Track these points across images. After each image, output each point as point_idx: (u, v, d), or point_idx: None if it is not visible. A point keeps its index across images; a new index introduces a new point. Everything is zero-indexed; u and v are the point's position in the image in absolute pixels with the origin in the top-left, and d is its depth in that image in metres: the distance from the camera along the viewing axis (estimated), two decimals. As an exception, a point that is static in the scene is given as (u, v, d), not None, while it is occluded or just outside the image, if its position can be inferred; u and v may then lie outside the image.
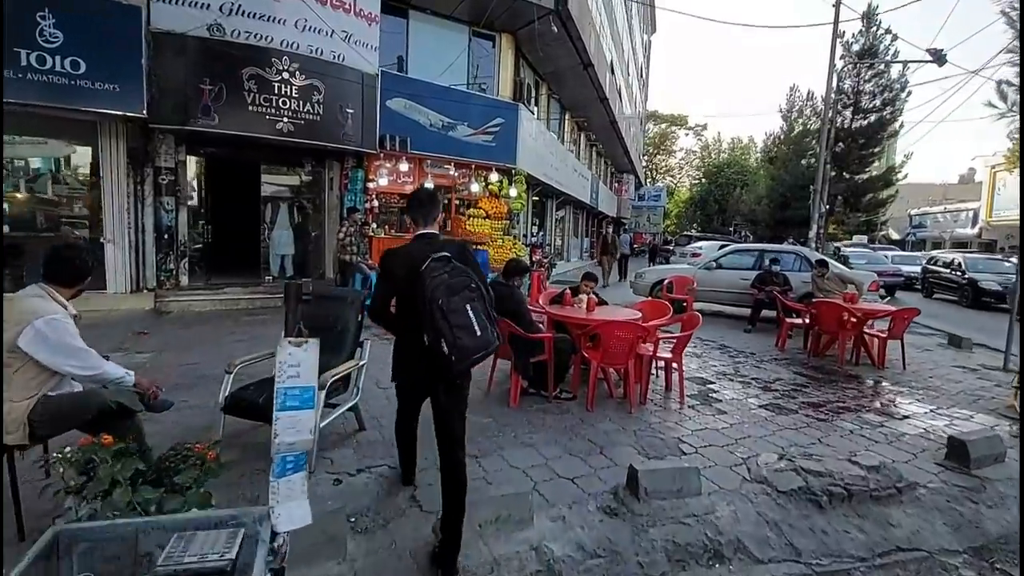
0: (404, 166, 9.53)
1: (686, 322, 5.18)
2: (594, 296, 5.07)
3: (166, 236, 7.77)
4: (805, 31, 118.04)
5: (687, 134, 54.85)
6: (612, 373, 4.83)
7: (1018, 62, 8.53)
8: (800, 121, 22.77)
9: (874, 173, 17.12)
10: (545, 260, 13.33)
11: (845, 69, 16.56)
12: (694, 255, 22.08)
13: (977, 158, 29.40)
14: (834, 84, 17.55)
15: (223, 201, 10.10)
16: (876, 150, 16.58)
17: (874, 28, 15.35)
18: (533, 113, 12.74)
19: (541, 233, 19.75)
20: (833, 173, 15.78)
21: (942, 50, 14.52)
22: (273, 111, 7.73)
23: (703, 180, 41.64)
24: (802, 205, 21.64)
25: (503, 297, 3.92)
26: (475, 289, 2.15)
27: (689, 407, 4.55)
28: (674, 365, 4.81)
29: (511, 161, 11.15)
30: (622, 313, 5.08)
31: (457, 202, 11.10)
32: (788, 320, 7.45)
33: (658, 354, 4.84)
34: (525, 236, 13.31)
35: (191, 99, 7.13)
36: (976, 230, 34.97)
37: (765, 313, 8.76)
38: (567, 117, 18.21)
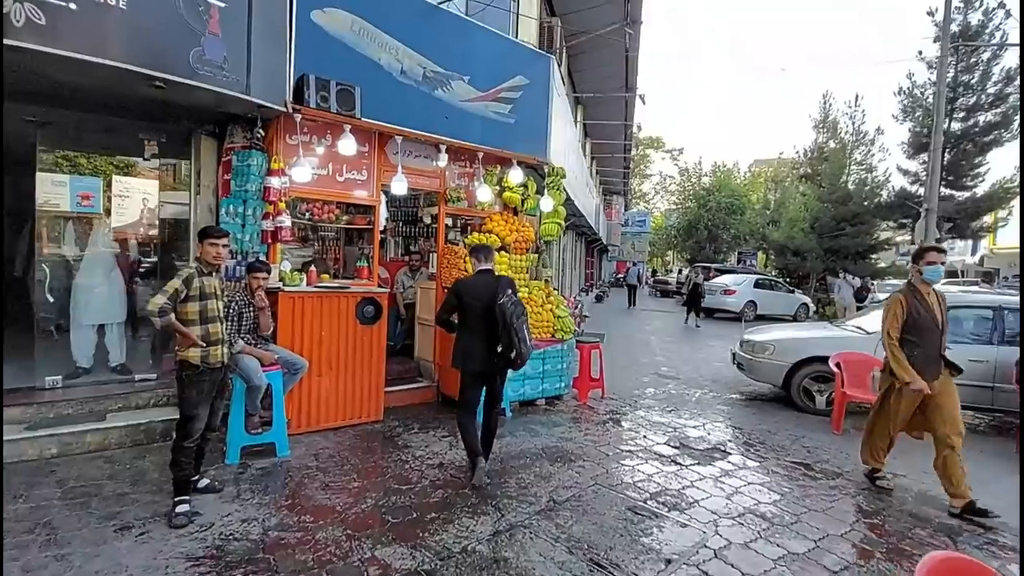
0: (347, 146, 4.72)
1: None
2: None
3: None
4: (801, 47, 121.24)
5: (663, 158, 52.37)
6: None
7: None
8: (836, 132, 19.39)
9: (982, 190, 13.58)
10: (577, 313, 8.63)
11: (935, 59, 13.12)
12: (726, 292, 17.94)
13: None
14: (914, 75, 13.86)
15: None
16: (982, 160, 13.12)
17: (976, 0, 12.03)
18: (563, 86, 8.24)
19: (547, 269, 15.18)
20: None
21: (1078, 28, 11.07)
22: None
23: (690, 204, 38.37)
24: (859, 231, 18.03)
25: None
26: (525, 313, 3.59)
27: None
28: None
29: (541, 153, 6.51)
30: None
31: (448, 221, 6.35)
32: None
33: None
34: (555, 281, 8.65)
35: None
36: (977, 258, 32.83)
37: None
38: (580, 113, 13.86)
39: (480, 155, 5.84)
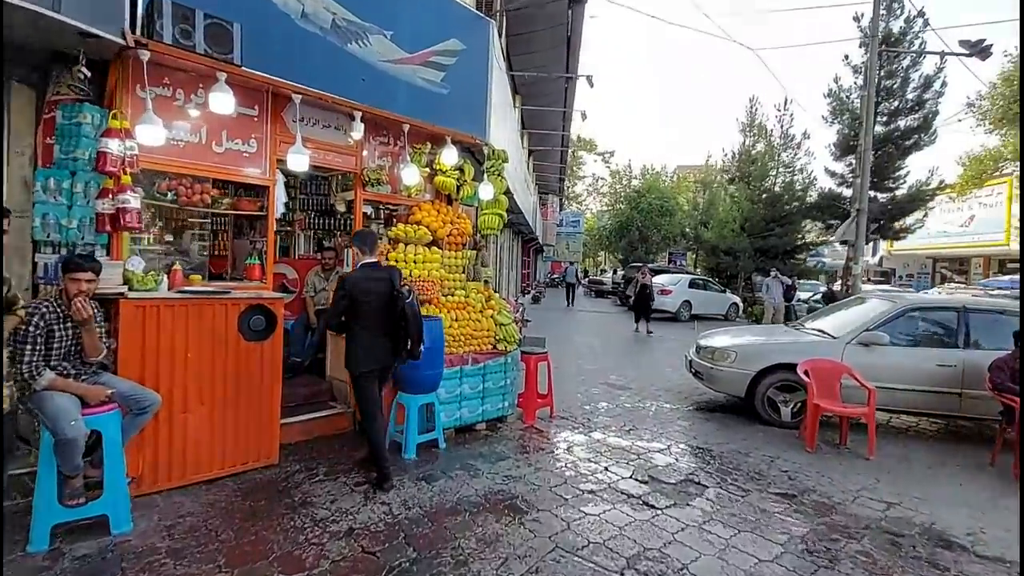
0: (222, 102, 3.53)
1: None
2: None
3: None
4: (721, 52, 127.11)
5: (596, 160, 53.09)
6: None
7: None
8: (764, 134, 19.92)
9: (902, 191, 14.14)
10: (520, 318, 7.82)
11: (861, 63, 13.51)
12: (662, 292, 17.83)
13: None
14: (837, 80, 14.21)
15: None
16: (901, 164, 13.67)
17: (899, 8, 12.46)
18: (502, 61, 7.34)
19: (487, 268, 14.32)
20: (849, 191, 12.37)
21: (984, 40, 11.68)
22: None
23: (621, 206, 38.86)
24: (786, 231, 18.51)
25: None
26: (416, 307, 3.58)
27: None
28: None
29: (479, 131, 5.56)
30: None
31: (368, 210, 5.26)
32: None
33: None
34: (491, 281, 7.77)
35: None
36: (876, 259, 35.64)
37: None
38: (518, 101, 13.04)
39: (406, 129, 4.80)
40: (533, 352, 5.43)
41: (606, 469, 4.14)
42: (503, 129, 7.25)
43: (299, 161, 3.97)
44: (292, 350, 4.94)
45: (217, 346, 3.57)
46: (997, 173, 20.73)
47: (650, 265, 17.37)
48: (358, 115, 4.36)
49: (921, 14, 12.69)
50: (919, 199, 14.34)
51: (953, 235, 28.57)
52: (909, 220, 14.62)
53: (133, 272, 3.41)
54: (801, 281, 17.91)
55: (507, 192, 6.97)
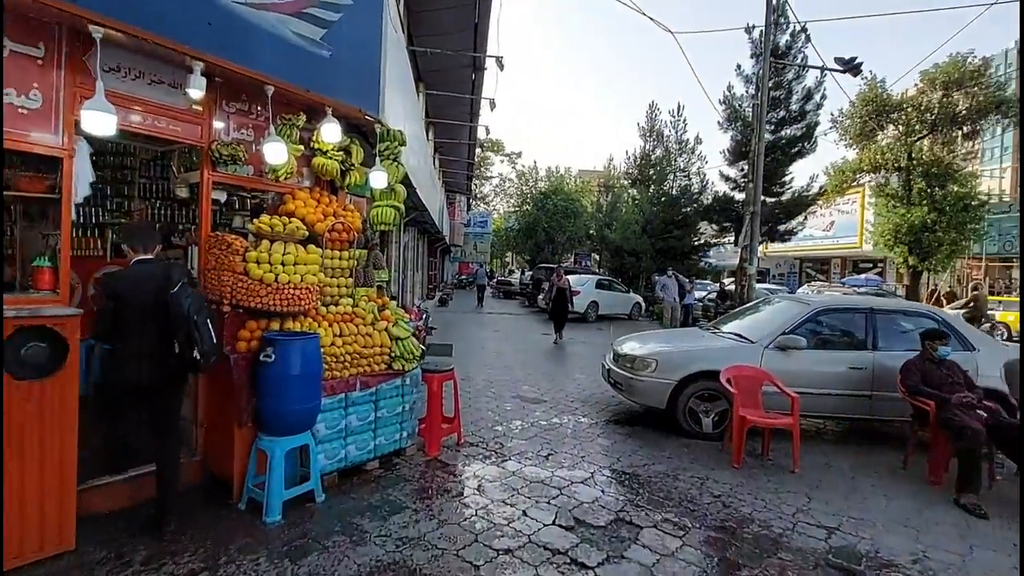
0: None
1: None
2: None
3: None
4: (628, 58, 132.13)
5: (502, 160, 53.12)
6: None
7: None
8: (664, 139, 20.66)
9: (786, 197, 15.10)
10: (423, 327, 6.98)
11: (753, 73, 14.25)
12: (572, 293, 17.70)
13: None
14: (740, 89, 15.04)
15: None
16: (785, 171, 14.62)
17: (785, 23, 13.31)
18: (401, 33, 6.41)
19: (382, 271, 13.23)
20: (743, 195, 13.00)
21: (856, 58, 12.76)
22: None
23: (527, 207, 39.03)
24: (684, 233, 19.21)
25: None
26: (207, 308, 3.01)
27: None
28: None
29: (371, 106, 4.60)
30: None
31: (221, 196, 4.14)
32: None
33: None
34: (391, 287, 6.86)
35: None
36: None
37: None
38: (423, 88, 12.07)
39: (270, 92, 3.77)
40: (437, 370, 4.62)
41: (524, 514, 3.45)
42: (402, 109, 6.34)
43: (99, 121, 2.82)
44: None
45: (-45, 391, 2.37)
46: (855, 183, 23.38)
47: (564, 266, 17.12)
48: (198, 68, 3.27)
49: (804, 30, 13.66)
50: (803, 203, 15.48)
51: (817, 238, 31.97)
52: (792, 223, 15.74)
53: None
54: (697, 281, 18.76)
55: (407, 183, 6.08)
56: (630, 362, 5.60)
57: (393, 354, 4.20)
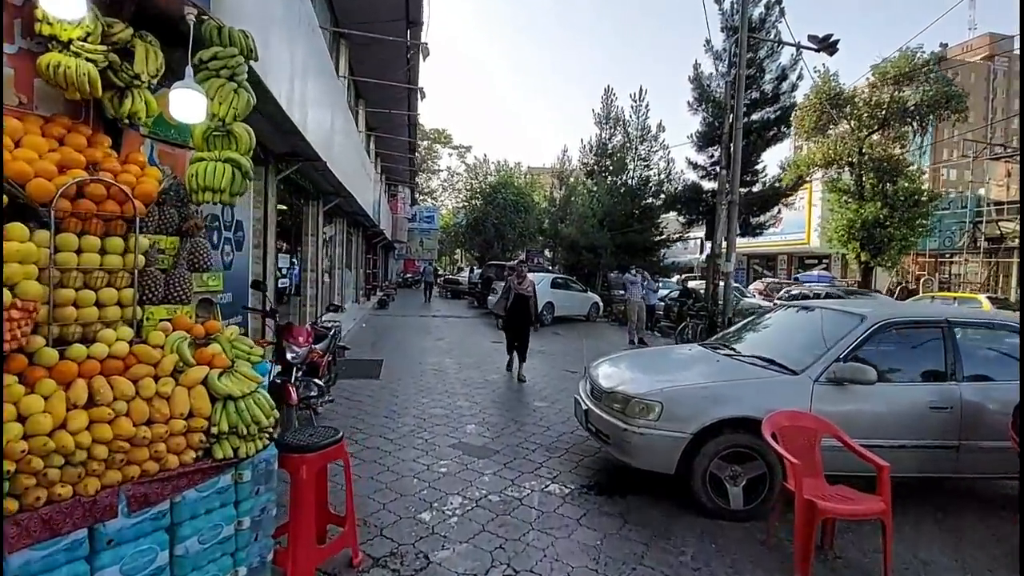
0: None
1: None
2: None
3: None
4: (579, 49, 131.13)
5: (450, 154, 50.87)
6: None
7: None
8: (625, 125, 19.24)
9: (757, 188, 13.94)
10: (323, 352, 5.00)
11: (723, 49, 12.95)
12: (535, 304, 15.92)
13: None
14: (713, 67, 13.68)
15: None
16: (756, 159, 13.45)
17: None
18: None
19: (294, 267, 11.30)
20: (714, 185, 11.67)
21: (831, 35, 11.67)
22: None
23: (476, 202, 37.03)
24: (645, 226, 17.84)
25: None
26: None
27: None
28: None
29: (182, -19, 2.59)
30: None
31: None
32: None
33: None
34: (261, 283, 4.81)
35: None
36: (704, 257, 39.00)
37: None
38: (345, 57, 9.91)
39: None
40: (311, 445, 2.67)
41: None
42: (284, 36, 4.32)
43: None
44: None
45: None
46: (809, 178, 22.98)
47: (524, 263, 14.98)
48: None
49: (778, 2, 12.50)
50: (780, 193, 14.43)
51: (765, 234, 32.00)
52: (765, 217, 14.67)
53: None
54: (662, 279, 17.49)
55: (325, 172, 4.05)
56: (620, 404, 3.84)
57: (216, 431, 2.24)
